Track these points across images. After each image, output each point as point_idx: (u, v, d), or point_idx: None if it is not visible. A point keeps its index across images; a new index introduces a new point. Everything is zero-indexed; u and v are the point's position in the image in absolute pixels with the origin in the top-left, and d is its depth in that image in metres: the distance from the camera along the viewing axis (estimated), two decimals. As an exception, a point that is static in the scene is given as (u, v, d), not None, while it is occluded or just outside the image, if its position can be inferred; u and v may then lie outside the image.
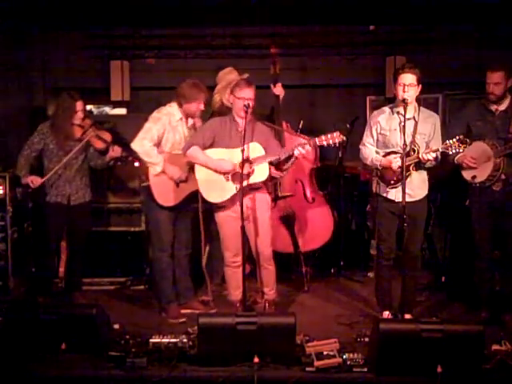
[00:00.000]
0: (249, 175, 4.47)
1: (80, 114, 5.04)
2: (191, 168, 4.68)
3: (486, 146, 4.57)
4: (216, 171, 4.52)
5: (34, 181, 4.98)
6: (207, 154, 4.55)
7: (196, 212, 4.83)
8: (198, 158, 4.55)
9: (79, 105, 5.03)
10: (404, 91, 4.31)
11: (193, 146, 4.56)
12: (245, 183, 4.41)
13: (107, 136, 5.13)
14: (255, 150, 4.48)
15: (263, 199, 4.67)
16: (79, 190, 5.13)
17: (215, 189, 4.54)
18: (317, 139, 4.40)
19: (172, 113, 4.79)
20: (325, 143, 4.39)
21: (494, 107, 4.63)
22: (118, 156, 5.10)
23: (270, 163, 4.52)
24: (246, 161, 4.41)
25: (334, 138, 4.36)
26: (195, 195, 4.71)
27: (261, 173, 4.50)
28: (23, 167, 5.03)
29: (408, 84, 4.31)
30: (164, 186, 4.73)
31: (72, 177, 5.09)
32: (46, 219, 5.12)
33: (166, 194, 4.75)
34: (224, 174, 4.52)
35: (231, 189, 4.49)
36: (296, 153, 4.41)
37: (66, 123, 5.02)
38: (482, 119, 4.65)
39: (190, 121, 4.86)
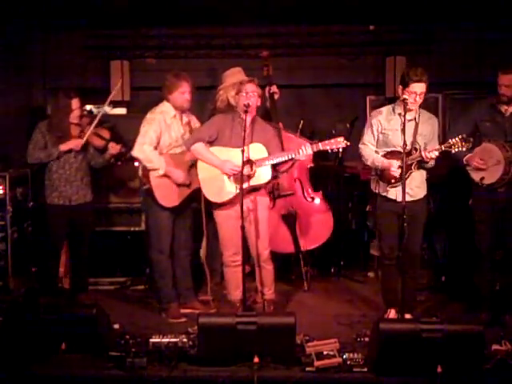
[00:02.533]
0: (250, 177, 4.47)
1: (77, 113, 5.00)
2: (192, 166, 4.68)
3: (496, 148, 4.50)
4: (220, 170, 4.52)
5: (78, 144, 4.96)
6: (212, 151, 4.54)
7: (195, 212, 4.83)
8: (202, 154, 4.55)
9: (75, 103, 4.98)
10: (415, 100, 4.31)
11: (198, 141, 4.55)
12: (246, 185, 4.40)
13: (105, 133, 5.10)
14: (258, 151, 4.48)
15: (263, 200, 4.67)
16: (80, 190, 5.09)
17: (217, 188, 4.54)
18: (320, 144, 4.42)
19: (166, 111, 4.77)
20: (328, 147, 4.41)
21: (504, 108, 4.61)
22: (118, 152, 5.08)
23: (272, 165, 4.50)
24: (247, 162, 4.41)
25: (338, 142, 4.39)
26: (195, 193, 4.71)
27: (263, 175, 4.50)
28: (43, 150, 4.95)
29: (419, 93, 4.31)
30: (166, 187, 4.71)
31: (73, 177, 5.04)
32: (47, 221, 5.10)
33: (168, 196, 4.73)
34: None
35: (232, 189, 4.49)
36: (299, 155, 4.41)
37: (63, 122, 4.98)
38: (491, 120, 4.61)
39: (185, 118, 4.85)
